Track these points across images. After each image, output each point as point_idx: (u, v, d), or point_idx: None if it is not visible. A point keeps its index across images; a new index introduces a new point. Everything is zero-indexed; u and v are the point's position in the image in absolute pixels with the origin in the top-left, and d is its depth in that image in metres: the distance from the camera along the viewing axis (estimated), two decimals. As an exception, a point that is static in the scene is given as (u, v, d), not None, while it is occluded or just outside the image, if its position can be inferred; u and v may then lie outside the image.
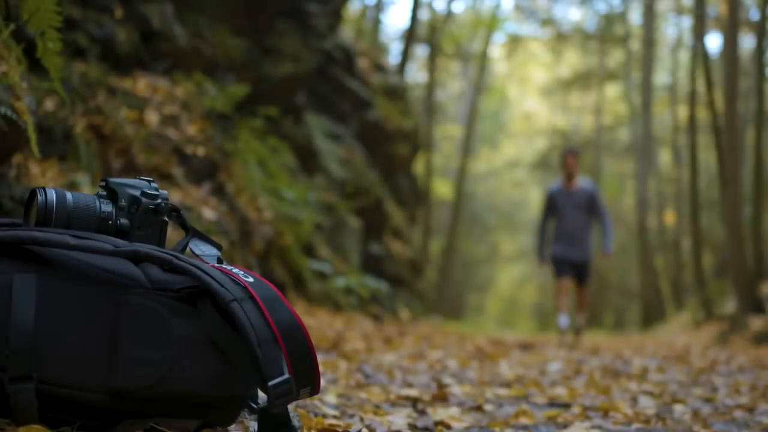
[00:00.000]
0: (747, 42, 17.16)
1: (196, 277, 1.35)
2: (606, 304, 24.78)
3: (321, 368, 2.42)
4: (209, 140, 5.68)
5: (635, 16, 23.70)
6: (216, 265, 1.45)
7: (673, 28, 24.51)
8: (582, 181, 8.60)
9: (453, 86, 27.72)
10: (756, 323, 9.67)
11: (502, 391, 3.00)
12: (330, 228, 8.70)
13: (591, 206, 8.42)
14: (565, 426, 2.15)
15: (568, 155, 8.57)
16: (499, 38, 25.49)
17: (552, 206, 8.52)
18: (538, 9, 24.34)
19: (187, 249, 1.54)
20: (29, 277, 1.33)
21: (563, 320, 7.90)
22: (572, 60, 26.53)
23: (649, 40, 20.42)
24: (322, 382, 2.60)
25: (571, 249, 8.31)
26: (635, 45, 23.01)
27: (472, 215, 27.18)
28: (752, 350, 7.36)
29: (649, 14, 20.72)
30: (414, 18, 16.12)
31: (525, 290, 32.99)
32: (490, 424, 2.14)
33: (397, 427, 1.95)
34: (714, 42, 32.94)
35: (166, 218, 1.54)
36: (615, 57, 24.78)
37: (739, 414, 2.48)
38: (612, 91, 26.32)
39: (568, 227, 8.37)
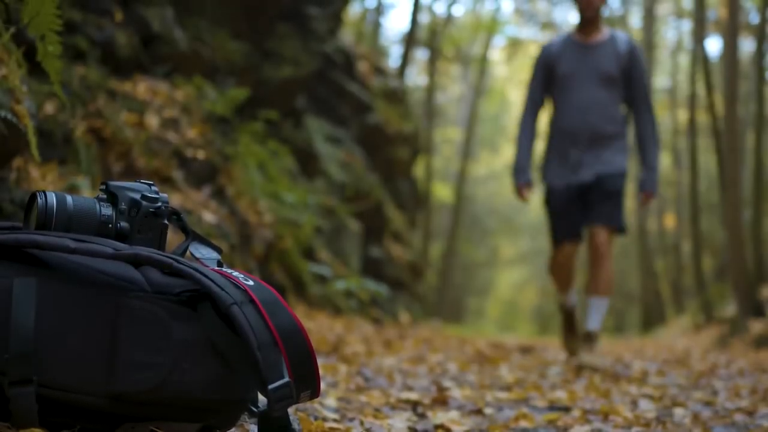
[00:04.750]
0: (747, 45, 17.18)
1: (197, 281, 1.35)
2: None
3: (321, 372, 2.42)
4: (209, 144, 5.69)
5: (635, 20, 23.72)
6: (216, 268, 1.45)
7: (673, 31, 24.55)
8: (612, 32, 4.82)
9: (453, 89, 27.74)
10: (756, 326, 9.67)
11: (502, 395, 3.00)
12: (330, 231, 8.70)
13: (627, 78, 4.69)
14: (566, 429, 2.15)
15: None
16: (499, 41, 25.51)
17: (549, 78, 4.81)
18: (538, 12, 24.37)
19: (187, 252, 1.54)
20: (29, 280, 1.33)
21: (570, 297, 4.90)
22: (572, 63, 26.50)
23: (649, 44, 20.42)
24: (322, 386, 2.60)
25: (585, 160, 4.66)
26: (635, 48, 22.99)
27: (472, 218, 27.18)
28: (752, 353, 7.36)
29: (649, 18, 20.75)
30: (414, 21, 16.13)
31: (525, 294, 32.98)
32: (490, 427, 2.14)
33: (397, 430, 1.95)
34: (714, 45, 32.97)
35: (166, 222, 1.54)
36: (615, 60, 24.75)
37: (739, 417, 2.48)
38: (612, 94, 26.28)
39: (580, 114, 4.67)
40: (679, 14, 22.64)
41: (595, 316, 4.62)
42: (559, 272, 4.84)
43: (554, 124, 4.84)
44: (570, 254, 4.77)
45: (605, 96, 4.68)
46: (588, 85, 4.68)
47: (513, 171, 4.87)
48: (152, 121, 5.05)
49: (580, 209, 4.69)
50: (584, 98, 4.68)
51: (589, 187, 4.65)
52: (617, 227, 4.63)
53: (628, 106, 4.76)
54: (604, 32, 4.78)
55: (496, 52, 25.89)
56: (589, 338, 4.60)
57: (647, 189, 4.68)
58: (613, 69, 4.67)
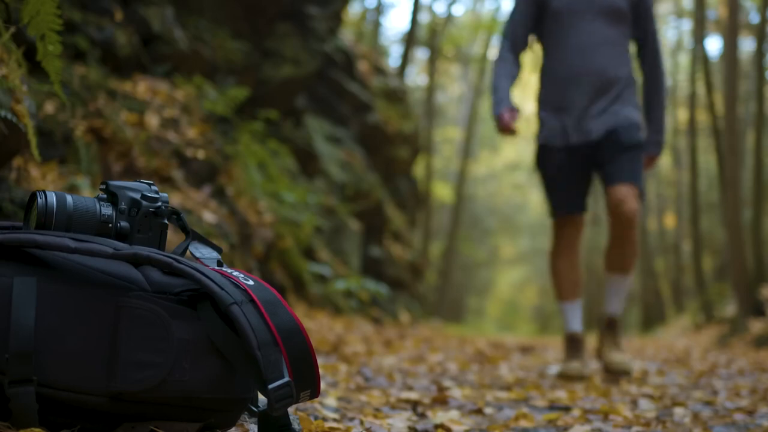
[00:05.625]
0: (747, 45, 17.18)
1: (196, 280, 1.35)
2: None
3: (321, 371, 2.43)
4: (209, 143, 5.69)
5: (635, 19, 23.67)
6: (216, 268, 1.45)
7: (673, 30, 24.55)
8: None
9: (453, 89, 27.75)
10: (756, 326, 9.67)
11: (502, 394, 3.00)
12: (330, 231, 8.70)
13: (635, 15, 3.89)
14: (565, 429, 2.15)
15: None
16: (499, 41, 25.51)
17: (539, 14, 3.94)
18: (538, 12, 24.33)
19: (187, 252, 1.54)
20: (29, 279, 1.33)
21: (573, 318, 3.88)
22: (572, 63, 26.51)
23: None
24: (322, 385, 2.61)
25: (592, 113, 3.78)
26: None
27: (472, 218, 27.20)
28: (752, 353, 7.36)
29: (649, 17, 20.73)
30: (414, 21, 16.13)
31: (525, 293, 33.00)
32: (490, 427, 2.14)
33: (397, 430, 1.95)
34: (714, 45, 32.99)
35: (166, 221, 1.54)
36: (615, 60, 24.75)
37: (739, 417, 2.48)
38: (612, 93, 26.27)
39: (583, 56, 3.80)
40: (679, 14, 22.65)
41: (616, 297, 3.90)
42: (563, 261, 3.90)
43: (548, 71, 3.94)
44: (573, 231, 3.88)
45: (613, 33, 3.83)
46: (591, 22, 3.81)
47: (492, 103, 3.92)
48: (152, 120, 5.05)
49: (584, 177, 3.88)
50: (587, 37, 3.80)
51: (598, 146, 3.79)
52: (639, 188, 3.74)
53: (639, 51, 3.99)
54: None
55: (496, 52, 25.88)
56: (613, 327, 3.87)
57: (652, 151, 3.89)
58: (623, 3, 3.84)
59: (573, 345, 3.86)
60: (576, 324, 3.88)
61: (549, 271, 4.03)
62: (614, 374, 3.63)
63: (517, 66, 4.01)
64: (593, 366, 4.47)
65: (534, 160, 4.04)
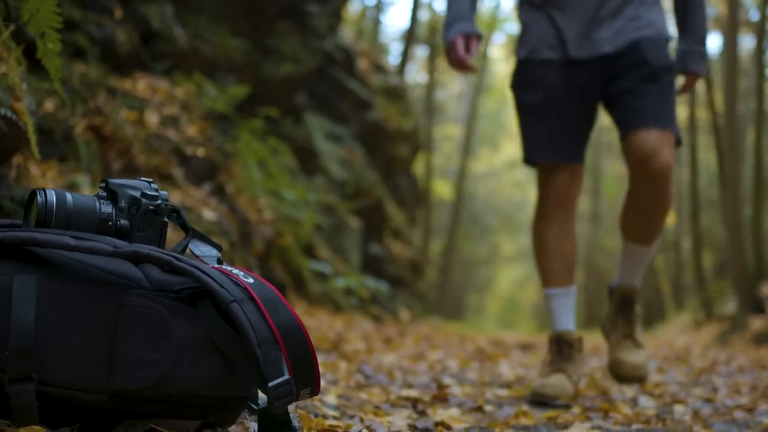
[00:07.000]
0: (747, 42, 17.18)
1: (196, 278, 1.36)
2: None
3: (321, 369, 2.43)
4: (209, 141, 5.69)
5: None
6: (216, 265, 1.45)
7: (673, 28, 24.55)
8: None
9: (453, 87, 27.72)
10: (756, 323, 9.68)
11: (503, 392, 3.00)
12: (330, 229, 8.70)
13: None
14: (565, 427, 2.15)
15: None
16: (499, 39, 25.52)
17: None
18: (537, 9, 24.30)
19: (187, 250, 1.54)
20: (29, 278, 1.34)
21: (563, 312, 2.80)
22: (572, 60, 26.50)
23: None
24: (322, 383, 2.61)
25: (602, 17, 2.70)
26: (635, 45, 22.98)
27: (472, 216, 27.19)
28: (752, 350, 7.37)
29: (649, 14, 20.70)
30: (414, 18, 16.13)
31: (525, 291, 33.00)
32: (490, 424, 2.14)
33: (398, 427, 1.95)
34: (714, 42, 32.95)
35: (166, 219, 1.54)
36: (615, 57, 24.74)
37: (739, 414, 2.48)
38: (612, 91, 26.26)
39: None
40: (679, 11, 22.62)
41: (633, 268, 2.90)
42: (551, 228, 2.80)
43: None
44: (567, 186, 2.78)
45: None
46: None
47: (444, 24, 2.81)
48: (152, 118, 5.05)
49: (586, 111, 2.81)
50: None
51: (609, 66, 2.73)
52: (675, 133, 2.69)
53: None
54: None
55: (496, 50, 25.89)
56: (628, 305, 2.93)
57: (691, 67, 2.88)
58: None
59: (560, 350, 2.75)
60: (566, 320, 2.80)
61: (532, 245, 2.91)
62: (624, 379, 2.81)
63: None
64: (591, 365, 4.47)
65: (510, 83, 2.91)
